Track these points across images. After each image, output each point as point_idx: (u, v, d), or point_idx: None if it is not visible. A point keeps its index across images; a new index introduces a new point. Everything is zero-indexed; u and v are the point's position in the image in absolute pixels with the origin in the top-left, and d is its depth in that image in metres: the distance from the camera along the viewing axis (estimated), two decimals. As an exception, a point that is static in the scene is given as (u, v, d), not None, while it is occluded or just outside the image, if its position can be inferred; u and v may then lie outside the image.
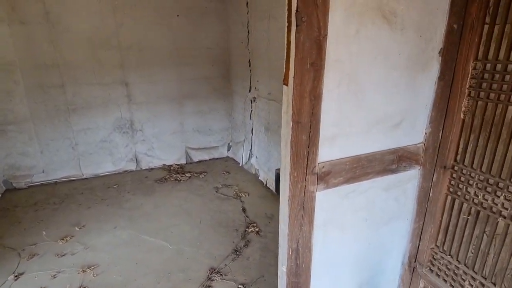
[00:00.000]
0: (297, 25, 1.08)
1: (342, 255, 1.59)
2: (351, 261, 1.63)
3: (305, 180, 1.31)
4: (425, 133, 1.56)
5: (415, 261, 1.75)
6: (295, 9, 1.07)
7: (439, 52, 1.42)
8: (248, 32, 3.77)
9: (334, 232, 1.50)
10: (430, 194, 1.60)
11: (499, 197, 1.30)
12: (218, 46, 4.32)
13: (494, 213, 1.33)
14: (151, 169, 4.40)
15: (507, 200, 1.28)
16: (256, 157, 4.11)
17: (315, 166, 1.31)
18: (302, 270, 1.48)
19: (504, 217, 1.30)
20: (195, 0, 4.03)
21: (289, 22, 1.12)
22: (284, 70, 1.20)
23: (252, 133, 4.11)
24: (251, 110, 4.03)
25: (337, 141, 1.33)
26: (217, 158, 4.79)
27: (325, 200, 1.41)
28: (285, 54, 1.17)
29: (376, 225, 1.63)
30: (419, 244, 1.71)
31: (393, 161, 1.52)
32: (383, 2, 1.21)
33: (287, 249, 1.40)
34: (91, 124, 3.96)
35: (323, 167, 1.34)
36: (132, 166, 4.32)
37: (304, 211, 1.37)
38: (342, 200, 1.46)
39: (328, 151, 1.33)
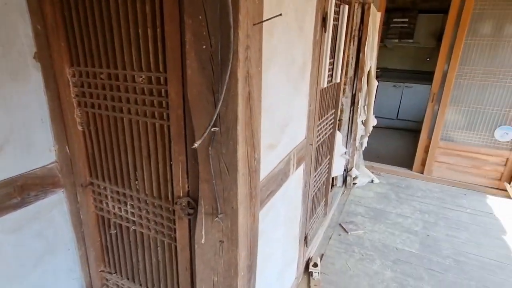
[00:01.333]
0: None
1: None
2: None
3: None
4: (55, 151, 1.34)
5: (91, 290, 1.57)
6: None
7: (34, 57, 1.20)
8: None
9: None
10: (81, 216, 1.42)
11: (127, 206, 1.28)
12: None
13: (129, 222, 1.31)
14: None
15: (134, 207, 1.27)
16: None
17: None
18: None
19: (135, 224, 1.29)
20: None
21: None
22: None
23: None
24: None
25: None
26: None
27: None
28: None
29: (18, 274, 1.28)
30: (89, 271, 1.53)
31: (11, 194, 1.20)
32: None
33: None
34: None
35: None
36: None
37: None
38: None
39: None
